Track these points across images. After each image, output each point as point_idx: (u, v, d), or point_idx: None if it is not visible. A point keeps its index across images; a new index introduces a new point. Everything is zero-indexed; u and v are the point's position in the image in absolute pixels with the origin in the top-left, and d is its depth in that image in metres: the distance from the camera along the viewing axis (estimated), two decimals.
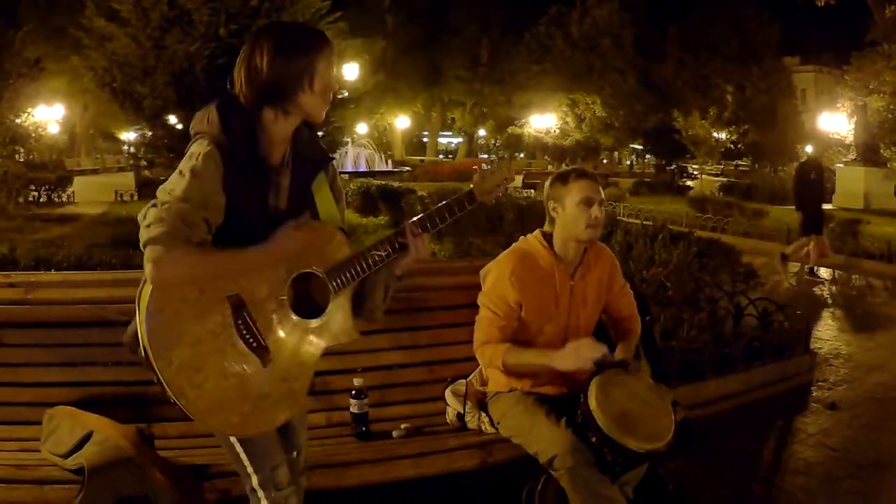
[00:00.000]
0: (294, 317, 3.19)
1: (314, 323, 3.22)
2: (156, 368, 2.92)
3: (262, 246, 3.06)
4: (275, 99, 3.08)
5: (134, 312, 3.06)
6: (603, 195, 4.35)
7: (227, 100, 3.14)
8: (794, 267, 15.23)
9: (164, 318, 2.93)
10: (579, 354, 4.04)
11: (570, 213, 4.28)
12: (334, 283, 3.21)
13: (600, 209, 4.29)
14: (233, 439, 3.23)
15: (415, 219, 3.35)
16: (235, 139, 3.04)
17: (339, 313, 3.27)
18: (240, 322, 3.06)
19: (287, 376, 3.17)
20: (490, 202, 3.55)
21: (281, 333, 3.16)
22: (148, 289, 2.93)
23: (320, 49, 3.11)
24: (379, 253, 3.27)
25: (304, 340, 3.21)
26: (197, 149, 3.03)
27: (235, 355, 3.05)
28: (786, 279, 14.40)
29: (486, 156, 77.88)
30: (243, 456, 3.25)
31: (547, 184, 4.44)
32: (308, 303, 3.25)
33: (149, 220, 2.89)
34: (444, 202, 3.39)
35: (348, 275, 3.23)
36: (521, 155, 70.88)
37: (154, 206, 2.94)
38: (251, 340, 3.07)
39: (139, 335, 2.98)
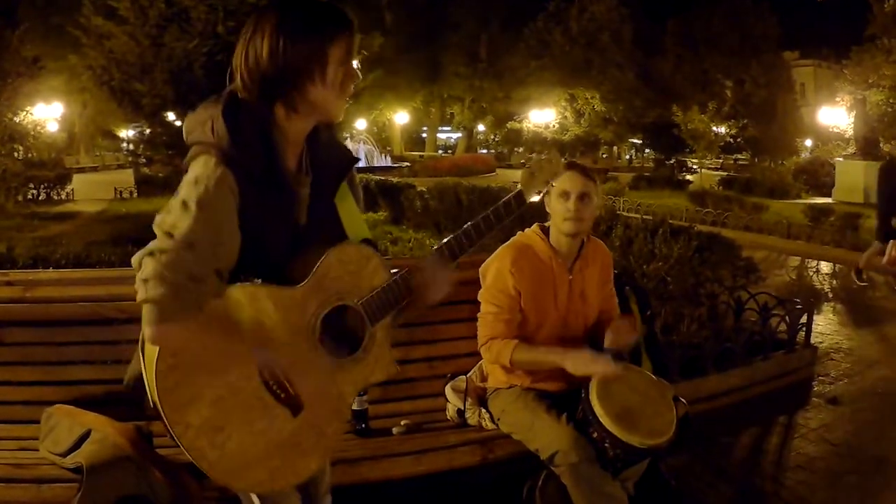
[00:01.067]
0: (327, 357, 2.83)
1: (349, 362, 2.89)
2: (172, 434, 2.59)
3: (266, 351, 2.67)
4: (279, 93, 2.62)
5: (136, 354, 2.80)
6: (590, 188, 4.26)
7: (233, 100, 2.64)
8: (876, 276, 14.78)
9: (177, 377, 2.56)
10: (594, 365, 3.96)
11: (553, 206, 4.30)
12: (371, 315, 2.88)
13: (581, 203, 4.22)
14: (254, 497, 2.98)
15: (458, 233, 3.01)
16: (249, 150, 2.58)
17: (375, 346, 2.93)
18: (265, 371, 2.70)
19: (319, 423, 2.84)
20: (537, 202, 3.32)
21: (312, 377, 2.79)
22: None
23: (336, 30, 2.64)
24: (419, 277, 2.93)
25: (337, 381, 2.87)
26: (202, 170, 2.53)
27: (262, 409, 2.71)
28: (876, 291, 14.12)
29: (485, 151, 77.94)
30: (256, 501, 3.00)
31: None
32: (341, 337, 2.91)
33: (145, 274, 2.41)
34: (490, 209, 3.06)
35: (387, 304, 2.90)
36: (521, 150, 70.91)
37: (151, 254, 2.43)
38: (279, 391, 2.72)
39: (148, 390, 2.66)
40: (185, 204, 2.47)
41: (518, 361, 4.19)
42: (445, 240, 3.02)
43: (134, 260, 2.48)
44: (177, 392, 2.57)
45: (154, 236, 2.50)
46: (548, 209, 4.35)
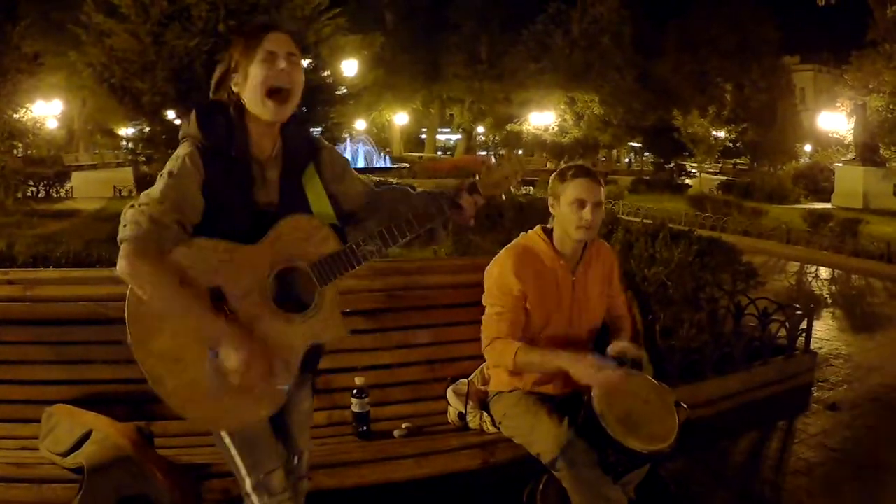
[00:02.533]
0: (278, 310, 3.12)
1: (299, 318, 3.15)
2: (136, 358, 2.98)
3: (223, 324, 2.98)
4: (225, 93, 3.19)
5: None
6: (600, 197, 4.26)
7: (208, 101, 3.22)
8: None
9: (145, 308, 2.96)
10: (600, 372, 3.91)
11: (563, 212, 4.26)
12: (319, 277, 3.16)
13: (594, 211, 4.21)
14: (227, 441, 3.20)
15: (410, 216, 3.29)
16: (213, 137, 3.09)
17: (324, 307, 3.19)
18: (220, 313, 2.99)
19: (269, 371, 3.08)
20: (499, 196, 3.53)
21: (263, 327, 3.07)
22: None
23: (244, 40, 3.15)
24: (368, 248, 3.20)
25: (288, 334, 3.14)
26: (178, 151, 3.09)
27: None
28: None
29: (484, 152, 78.01)
30: (237, 458, 3.21)
31: (551, 180, 4.42)
32: (294, 298, 3.19)
33: (125, 220, 2.92)
34: (434, 200, 3.38)
35: (334, 268, 3.17)
36: (520, 152, 71.01)
37: (132, 206, 2.97)
38: None
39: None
40: (162, 174, 3.03)
41: (521, 363, 4.15)
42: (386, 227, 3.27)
43: (122, 214, 2.98)
44: (142, 321, 2.99)
45: None
46: (553, 212, 4.34)
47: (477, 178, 3.40)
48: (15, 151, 30.80)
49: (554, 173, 4.44)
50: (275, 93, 3.08)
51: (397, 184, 3.73)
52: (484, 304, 4.39)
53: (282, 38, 3.13)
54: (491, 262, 4.45)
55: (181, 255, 2.95)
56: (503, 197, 3.63)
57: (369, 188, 3.55)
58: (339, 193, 3.42)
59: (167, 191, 2.95)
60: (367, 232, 3.22)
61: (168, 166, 3.03)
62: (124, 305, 2.99)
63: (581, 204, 4.20)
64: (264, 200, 3.17)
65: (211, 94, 3.23)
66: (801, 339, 8.12)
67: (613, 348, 4.21)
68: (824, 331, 10.45)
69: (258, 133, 3.17)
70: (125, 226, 2.90)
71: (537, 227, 4.45)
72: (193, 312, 2.95)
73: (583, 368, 3.96)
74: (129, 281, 2.91)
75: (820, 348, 9.15)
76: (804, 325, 8.13)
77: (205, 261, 2.99)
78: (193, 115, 3.14)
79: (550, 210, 4.35)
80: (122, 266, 2.86)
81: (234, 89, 3.14)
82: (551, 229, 4.39)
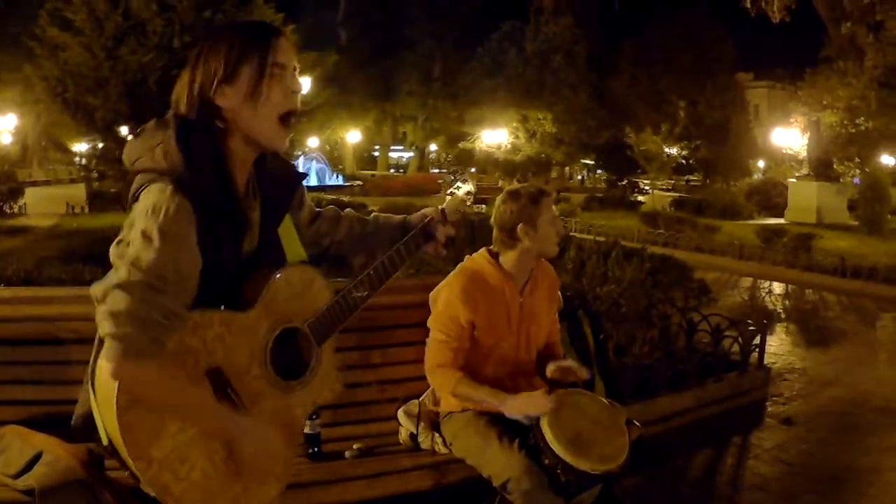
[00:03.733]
0: (279, 381, 2.80)
1: (298, 385, 2.86)
2: (134, 470, 2.50)
3: (237, 418, 2.62)
4: (207, 110, 2.58)
5: (83, 392, 2.70)
6: None
7: (182, 124, 2.55)
8: None
9: (140, 410, 2.45)
10: (527, 408, 3.96)
11: (542, 233, 4.26)
12: (318, 336, 2.88)
13: None
14: None
15: (390, 253, 3.03)
16: (204, 176, 2.52)
17: (322, 367, 2.92)
18: (219, 395, 2.62)
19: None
20: (457, 220, 3.33)
21: (266, 402, 2.77)
22: (108, 374, 2.40)
23: (242, 40, 2.59)
24: (359, 294, 2.94)
25: (289, 404, 2.86)
26: (159, 199, 2.43)
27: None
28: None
29: (437, 170, 78.14)
30: None
31: (511, 206, 4.33)
32: (287, 359, 2.86)
33: (116, 308, 2.32)
34: (412, 235, 3.13)
35: (330, 323, 2.90)
36: (473, 170, 71.18)
37: (120, 286, 2.34)
38: None
39: (99, 422, 2.60)
40: (145, 235, 2.38)
41: (460, 395, 4.18)
42: (373, 267, 3.00)
43: (96, 290, 2.40)
44: (139, 427, 2.47)
45: (106, 257, 2.48)
46: (520, 236, 4.28)
47: (444, 207, 3.24)
48: None
49: (514, 200, 4.36)
50: (287, 118, 2.65)
51: (347, 210, 3.39)
52: (429, 326, 4.37)
53: (289, 47, 2.64)
54: (438, 286, 4.44)
55: (174, 339, 2.46)
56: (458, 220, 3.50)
57: (315, 213, 3.27)
58: (299, 221, 3.10)
59: (163, 263, 2.36)
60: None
61: (150, 222, 2.39)
62: (90, 393, 2.61)
63: (555, 220, 4.32)
64: (248, 248, 2.77)
65: (182, 109, 2.58)
66: (755, 355, 8.18)
67: (558, 365, 4.22)
68: (778, 346, 10.54)
69: (239, 163, 2.67)
70: (116, 315, 2.31)
71: (482, 250, 4.43)
72: (207, 410, 2.57)
73: (515, 406, 4.01)
74: (126, 388, 2.38)
75: (774, 363, 9.24)
76: (757, 340, 8.20)
77: (201, 340, 2.56)
78: (172, 142, 2.50)
79: (518, 236, 4.29)
80: (113, 370, 2.33)
81: (223, 104, 2.57)
82: (496, 253, 4.39)
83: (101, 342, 2.40)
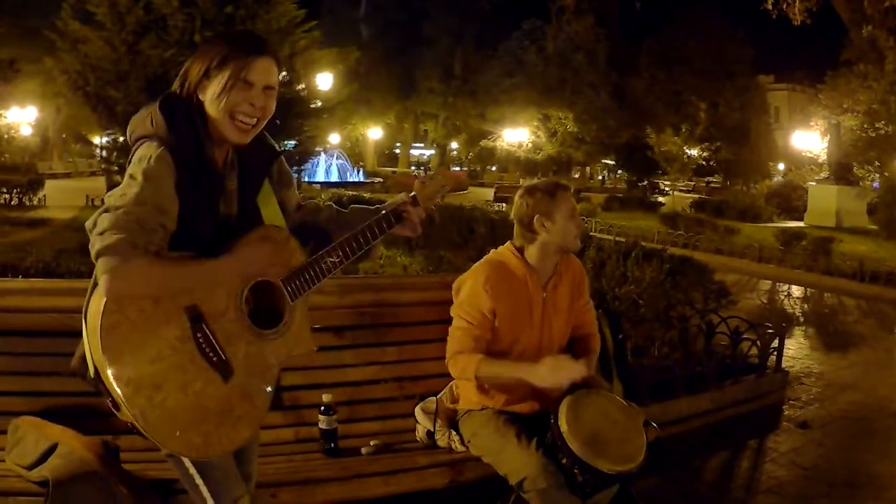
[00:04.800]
0: (253, 328, 3.03)
1: (270, 334, 3.08)
2: (114, 389, 2.71)
3: (228, 257, 2.93)
4: (190, 96, 3.04)
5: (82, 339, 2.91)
6: None
7: (169, 98, 3.04)
8: None
9: (120, 333, 2.71)
10: (557, 373, 3.96)
11: (560, 226, 4.27)
12: (290, 289, 3.11)
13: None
14: (191, 469, 3.06)
15: (363, 226, 3.31)
16: (182, 138, 2.92)
17: (295, 322, 3.15)
18: (199, 335, 2.86)
19: (248, 391, 2.99)
20: (430, 209, 3.57)
21: (241, 346, 2.97)
22: (97, 303, 2.73)
23: (226, 53, 2.99)
24: (332, 259, 3.20)
25: (263, 353, 3.05)
26: (146, 151, 2.87)
27: (195, 371, 2.85)
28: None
29: (458, 168, 78.27)
30: (202, 487, 3.08)
31: (527, 200, 4.37)
32: (265, 313, 3.11)
33: (102, 227, 2.71)
34: (386, 209, 3.43)
35: (303, 281, 3.14)
36: (494, 168, 71.14)
37: (106, 211, 2.76)
38: (211, 355, 2.88)
39: (88, 355, 2.82)
40: (131, 177, 2.82)
41: (483, 376, 4.17)
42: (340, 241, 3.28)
43: (88, 222, 2.84)
44: (119, 347, 2.72)
45: None
46: (537, 230, 4.31)
47: (414, 193, 3.47)
48: None
49: (528, 194, 4.40)
50: (240, 122, 3.00)
51: (325, 204, 3.69)
52: (452, 314, 4.38)
53: (265, 68, 3.02)
54: (462, 275, 4.44)
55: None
56: (434, 208, 3.71)
57: (301, 202, 3.55)
58: (285, 200, 3.38)
59: (144, 193, 2.75)
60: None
61: (138, 167, 2.81)
62: (83, 330, 2.86)
63: (574, 212, 4.32)
64: (224, 210, 3.08)
65: (176, 88, 3.08)
66: (773, 358, 8.14)
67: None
68: (796, 349, 10.49)
69: (217, 140, 3.04)
70: (102, 233, 2.68)
71: (507, 244, 4.45)
72: (197, 271, 2.89)
73: (541, 373, 3.99)
74: (124, 291, 2.69)
75: (791, 366, 9.19)
76: (776, 343, 8.15)
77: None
78: (157, 112, 2.96)
79: (536, 229, 4.32)
80: (108, 281, 2.65)
81: (200, 95, 3.01)
82: (521, 247, 4.39)
83: (95, 284, 2.80)
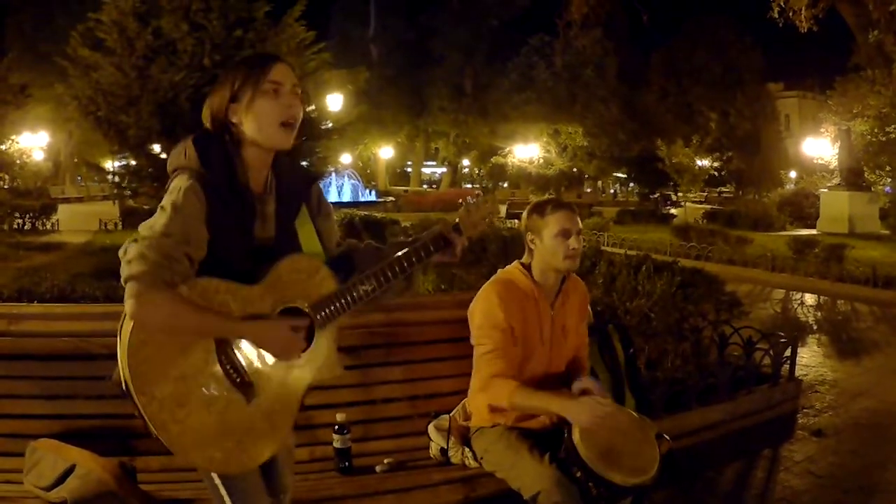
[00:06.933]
0: None
1: (298, 360, 3.12)
2: (138, 403, 2.84)
3: (245, 325, 2.99)
4: (222, 126, 3.12)
5: (116, 347, 2.94)
6: (580, 225, 4.38)
7: (203, 133, 3.13)
8: None
9: (147, 352, 2.84)
10: (595, 412, 3.96)
11: (548, 245, 4.30)
12: (319, 317, 3.13)
13: (578, 240, 4.33)
14: (217, 481, 3.14)
15: (400, 253, 3.27)
16: (214, 169, 3.01)
17: (323, 348, 3.18)
18: (223, 357, 2.97)
19: (271, 412, 3.07)
20: (475, 236, 3.58)
21: (265, 369, 3.05)
22: (129, 322, 2.84)
23: (246, 69, 3.11)
24: (364, 287, 3.18)
25: (288, 376, 3.11)
26: (178, 183, 2.97)
27: (219, 391, 2.96)
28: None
29: (470, 185, 78.14)
30: (227, 499, 3.15)
31: (524, 215, 4.45)
32: None
33: (130, 256, 2.81)
34: (425, 238, 3.35)
35: (333, 309, 3.15)
36: (505, 185, 71.05)
37: (135, 241, 2.85)
38: (235, 376, 2.99)
39: (120, 368, 2.89)
40: (162, 208, 2.93)
41: (516, 404, 4.18)
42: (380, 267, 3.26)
43: (120, 250, 2.88)
44: (145, 365, 2.84)
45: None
46: (531, 247, 4.37)
47: (458, 220, 3.41)
48: (1, 183, 30.78)
49: (527, 211, 4.47)
50: (286, 124, 3.08)
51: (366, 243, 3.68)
52: (473, 343, 4.41)
53: (286, 70, 3.12)
54: (474, 300, 4.47)
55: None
56: (477, 235, 3.67)
57: (341, 239, 3.57)
58: (323, 230, 3.39)
59: (172, 224, 2.86)
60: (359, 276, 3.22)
61: (168, 199, 2.93)
62: (117, 346, 2.91)
63: (566, 234, 4.28)
64: (261, 235, 3.15)
65: (207, 125, 3.15)
66: (786, 367, 8.13)
67: (577, 386, 4.24)
68: (809, 357, 10.48)
69: (254, 166, 3.13)
70: (130, 262, 2.80)
71: (515, 262, 4.49)
72: (217, 321, 2.94)
73: (580, 411, 3.98)
74: (143, 318, 2.82)
75: (805, 375, 9.18)
76: (788, 352, 8.14)
77: (207, 303, 2.92)
78: (191, 145, 3.05)
79: (530, 246, 4.38)
80: (132, 306, 2.77)
81: (233, 119, 3.08)
82: (528, 264, 4.43)
83: None
